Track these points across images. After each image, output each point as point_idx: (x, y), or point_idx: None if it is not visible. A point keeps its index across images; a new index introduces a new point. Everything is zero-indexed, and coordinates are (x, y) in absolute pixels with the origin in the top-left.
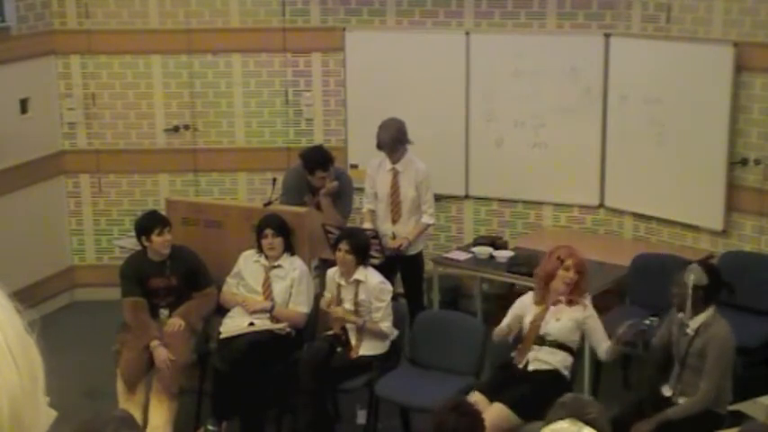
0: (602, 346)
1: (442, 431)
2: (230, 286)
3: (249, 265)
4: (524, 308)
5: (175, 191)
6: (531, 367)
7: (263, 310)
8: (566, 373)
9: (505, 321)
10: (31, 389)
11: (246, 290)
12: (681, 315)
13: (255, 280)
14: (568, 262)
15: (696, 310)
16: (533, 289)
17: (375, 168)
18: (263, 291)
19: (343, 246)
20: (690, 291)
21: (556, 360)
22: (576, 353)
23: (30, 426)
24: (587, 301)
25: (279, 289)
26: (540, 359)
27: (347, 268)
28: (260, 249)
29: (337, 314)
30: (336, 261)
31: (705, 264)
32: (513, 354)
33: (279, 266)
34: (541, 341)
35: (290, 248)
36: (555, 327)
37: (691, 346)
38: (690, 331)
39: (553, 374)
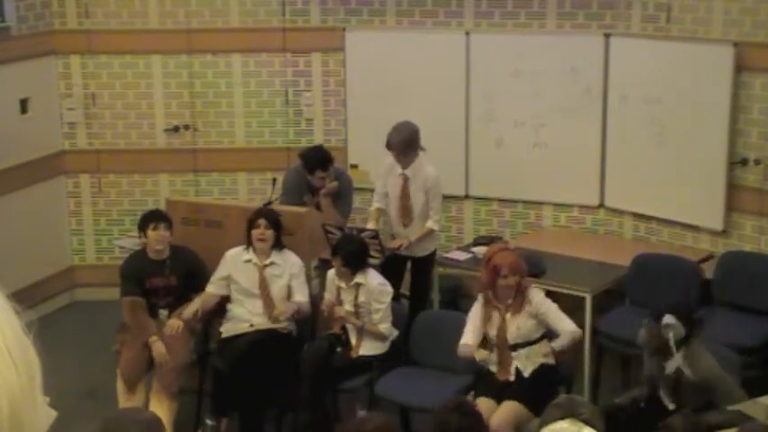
0: (561, 325)
1: (445, 431)
2: (217, 288)
3: (239, 266)
4: (481, 318)
5: (175, 191)
6: (526, 374)
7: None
8: (551, 360)
9: (471, 338)
10: (29, 389)
11: (241, 293)
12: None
13: (250, 281)
14: (504, 271)
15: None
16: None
17: (388, 169)
18: (261, 292)
19: (337, 261)
20: (672, 345)
21: (538, 356)
22: (548, 332)
23: (29, 425)
24: (532, 293)
25: (277, 288)
26: (526, 362)
27: (345, 277)
28: (249, 243)
29: (339, 314)
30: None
31: (678, 313)
32: (491, 368)
33: (272, 264)
34: (514, 348)
35: (279, 244)
36: (519, 335)
37: (679, 384)
38: (670, 372)
39: (543, 368)
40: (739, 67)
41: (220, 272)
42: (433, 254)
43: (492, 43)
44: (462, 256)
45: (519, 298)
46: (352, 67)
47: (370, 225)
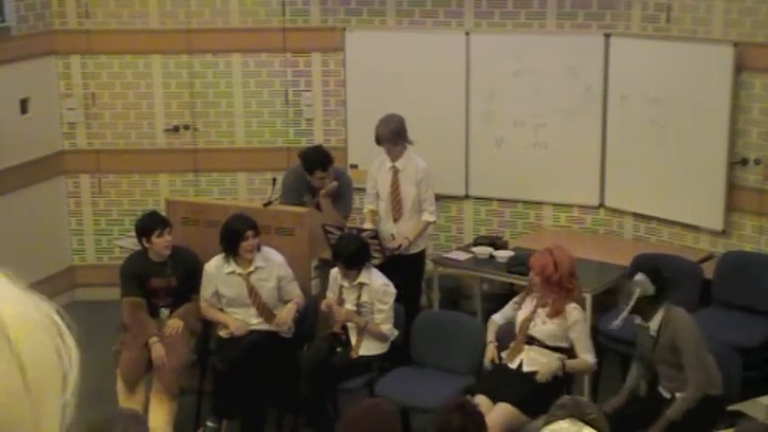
0: (581, 351)
1: (446, 431)
2: (212, 304)
3: (222, 279)
4: (518, 300)
5: (175, 191)
6: (525, 368)
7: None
8: (560, 372)
9: (500, 317)
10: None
11: (232, 305)
12: (638, 320)
13: (238, 292)
14: (532, 270)
15: (651, 314)
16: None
17: (376, 168)
18: (252, 300)
19: (339, 263)
20: (633, 299)
21: (548, 361)
22: (568, 350)
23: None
24: (573, 308)
25: (267, 293)
26: (533, 359)
27: (350, 277)
28: (230, 254)
29: (341, 316)
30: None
31: (649, 271)
32: (502, 354)
33: (257, 269)
34: (531, 341)
35: (258, 246)
36: (541, 330)
37: (657, 344)
38: (652, 333)
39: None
40: (739, 67)
41: (208, 289)
42: (423, 251)
43: (492, 43)
44: (462, 256)
45: (558, 303)
46: (352, 67)
47: (367, 226)
